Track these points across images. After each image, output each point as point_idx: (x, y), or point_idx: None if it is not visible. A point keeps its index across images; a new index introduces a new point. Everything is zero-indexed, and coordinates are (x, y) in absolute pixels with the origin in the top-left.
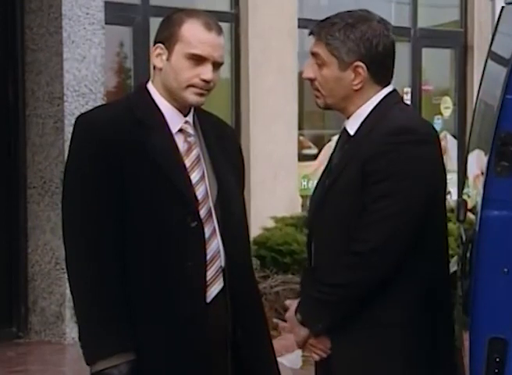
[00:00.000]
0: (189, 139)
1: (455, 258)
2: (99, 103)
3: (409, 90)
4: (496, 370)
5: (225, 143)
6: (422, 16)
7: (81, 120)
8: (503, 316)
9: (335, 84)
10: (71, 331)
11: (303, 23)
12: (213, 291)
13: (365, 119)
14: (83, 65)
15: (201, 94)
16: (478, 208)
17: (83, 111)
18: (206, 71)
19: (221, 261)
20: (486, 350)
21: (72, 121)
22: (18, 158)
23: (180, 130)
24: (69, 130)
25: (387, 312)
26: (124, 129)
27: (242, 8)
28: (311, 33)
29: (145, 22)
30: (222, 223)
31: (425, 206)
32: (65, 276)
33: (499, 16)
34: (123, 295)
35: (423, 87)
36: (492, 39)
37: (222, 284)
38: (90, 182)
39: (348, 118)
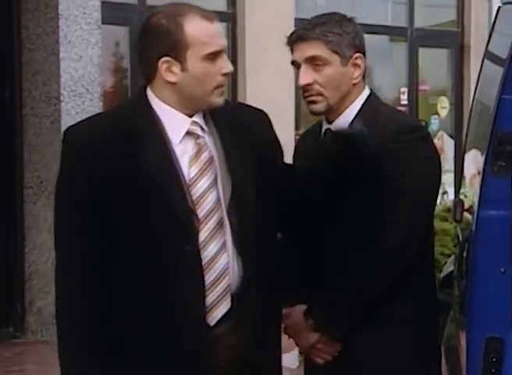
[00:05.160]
0: (198, 141)
1: (452, 257)
2: (96, 103)
3: (406, 90)
4: (493, 370)
5: (245, 133)
6: (419, 16)
7: (66, 137)
8: (500, 316)
9: (339, 81)
10: None
11: (299, 23)
12: (218, 313)
13: (353, 122)
14: (80, 64)
15: (223, 92)
16: (475, 207)
17: (79, 111)
18: (225, 64)
19: (230, 278)
20: (483, 350)
21: (69, 121)
22: (15, 158)
23: (188, 133)
24: None
25: (399, 309)
26: (111, 143)
27: (239, 7)
28: (298, 40)
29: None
30: (236, 230)
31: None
32: None
33: (496, 16)
34: (107, 329)
35: (420, 87)
36: (489, 39)
37: (229, 305)
38: (74, 207)
39: (332, 121)
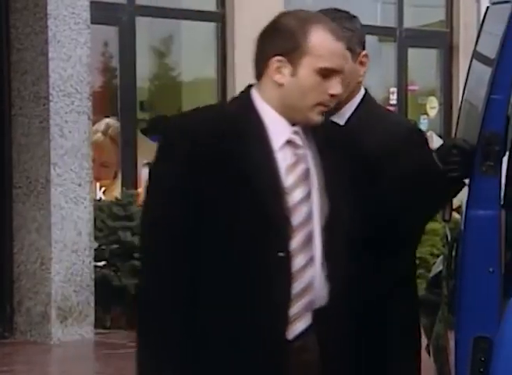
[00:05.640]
0: (297, 151)
1: (440, 257)
2: (85, 103)
3: (395, 90)
4: (481, 369)
5: (343, 152)
6: (408, 16)
7: (169, 130)
8: (489, 316)
9: (350, 78)
10: (56, 331)
11: None
12: (298, 327)
13: (350, 119)
14: (69, 64)
15: (323, 112)
16: (464, 207)
17: (68, 111)
18: (335, 85)
19: (313, 294)
20: (471, 349)
21: (58, 121)
22: (3, 158)
23: (289, 142)
24: (54, 130)
25: (399, 309)
26: (214, 140)
27: (228, 8)
28: None
29: (131, 21)
30: (326, 248)
31: None
32: (51, 276)
33: (484, 16)
34: (188, 335)
35: (409, 87)
36: (477, 39)
37: (309, 321)
38: (169, 200)
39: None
